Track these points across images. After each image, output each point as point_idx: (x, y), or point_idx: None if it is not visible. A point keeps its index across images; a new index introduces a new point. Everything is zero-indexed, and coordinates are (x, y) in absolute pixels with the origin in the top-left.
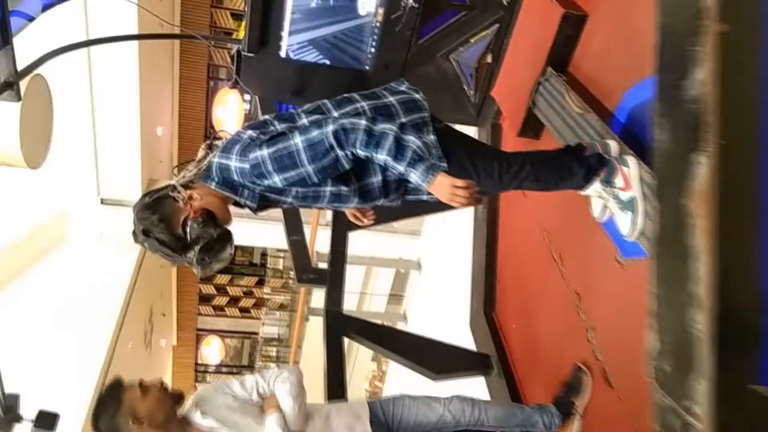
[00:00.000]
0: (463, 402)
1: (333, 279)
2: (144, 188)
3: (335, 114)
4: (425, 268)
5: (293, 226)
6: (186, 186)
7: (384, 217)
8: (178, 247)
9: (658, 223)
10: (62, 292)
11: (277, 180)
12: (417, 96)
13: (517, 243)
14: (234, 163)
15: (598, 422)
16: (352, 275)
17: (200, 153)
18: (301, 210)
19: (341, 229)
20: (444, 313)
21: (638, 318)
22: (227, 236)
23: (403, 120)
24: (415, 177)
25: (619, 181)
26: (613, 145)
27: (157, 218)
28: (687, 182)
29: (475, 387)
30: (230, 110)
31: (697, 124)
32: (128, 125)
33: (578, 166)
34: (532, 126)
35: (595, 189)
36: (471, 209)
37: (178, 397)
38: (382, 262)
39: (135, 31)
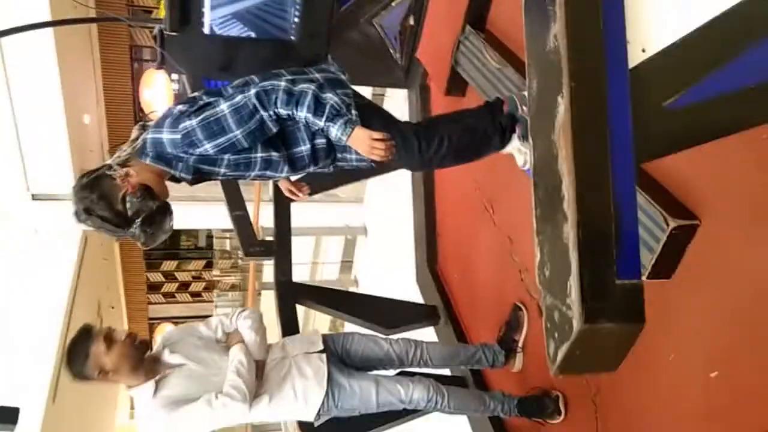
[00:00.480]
0: (407, 342)
1: (280, 249)
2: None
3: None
4: (371, 232)
5: (235, 203)
6: (122, 165)
7: (322, 185)
8: (121, 222)
9: (535, 157)
10: (2, 295)
11: (208, 147)
12: (342, 77)
13: (452, 197)
14: (166, 135)
15: (539, 352)
16: (302, 247)
17: (134, 133)
18: (243, 186)
19: (283, 199)
20: (392, 273)
21: None
22: (166, 207)
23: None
24: (334, 131)
25: None
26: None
27: (97, 196)
28: (552, 120)
29: (426, 338)
30: (158, 91)
31: (555, 71)
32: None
33: (492, 130)
34: (457, 84)
35: (513, 146)
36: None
37: (145, 346)
38: (329, 231)
39: (48, 17)
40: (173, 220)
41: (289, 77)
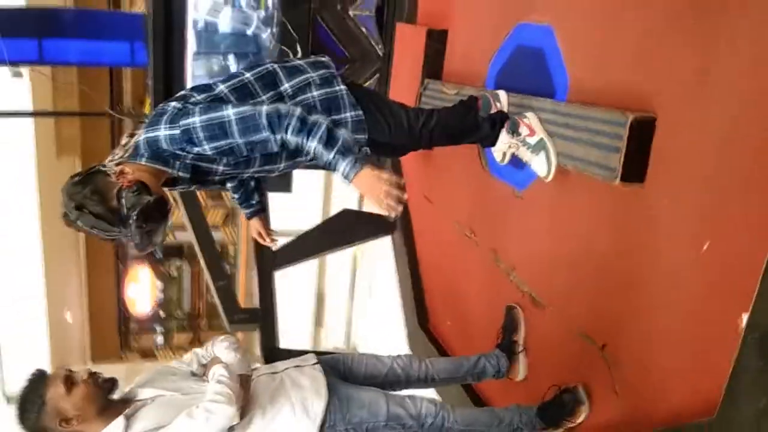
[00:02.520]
0: (410, 356)
1: (265, 315)
2: None
3: (263, 97)
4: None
5: (217, 274)
6: (116, 165)
7: (308, 252)
8: (115, 219)
9: None
10: None
11: (207, 148)
12: (323, 58)
13: (434, 246)
14: (163, 132)
15: (543, 345)
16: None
17: (124, 140)
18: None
19: (267, 266)
20: (386, 341)
21: (544, 233)
22: (164, 202)
23: (313, 75)
24: (342, 166)
25: (524, 130)
26: (501, 93)
27: (90, 190)
28: None
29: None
30: (143, 287)
31: None
32: (33, 311)
33: (482, 119)
34: None
35: (504, 140)
36: (388, 241)
37: (110, 385)
38: None
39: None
40: (170, 218)
41: (287, 87)
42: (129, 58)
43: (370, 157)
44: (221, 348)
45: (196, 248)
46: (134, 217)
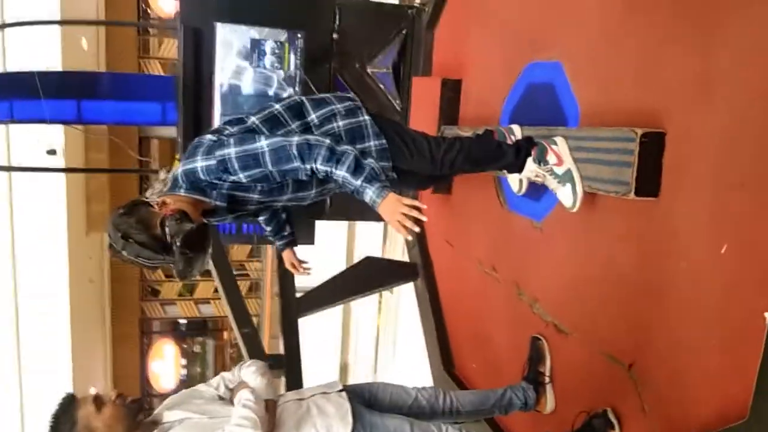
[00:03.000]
0: (435, 389)
1: (290, 361)
2: None
3: (292, 126)
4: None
5: (241, 320)
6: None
7: (332, 299)
8: (159, 246)
9: None
10: None
11: (241, 177)
12: (349, 94)
13: (457, 289)
14: (200, 163)
15: (569, 373)
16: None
17: (162, 174)
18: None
19: (290, 314)
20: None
21: (564, 259)
22: (206, 228)
23: (339, 107)
24: (369, 193)
25: (551, 158)
26: (515, 128)
27: (135, 220)
28: None
29: None
30: (167, 363)
31: None
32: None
33: (506, 145)
34: (442, 185)
35: (530, 169)
36: (411, 289)
37: (138, 406)
38: None
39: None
40: (212, 245)
41: (314, 117)
42: (160, 118)
43: (396, 182)
44: (248, 372)
45: (221, 292)
46: (177, 244)
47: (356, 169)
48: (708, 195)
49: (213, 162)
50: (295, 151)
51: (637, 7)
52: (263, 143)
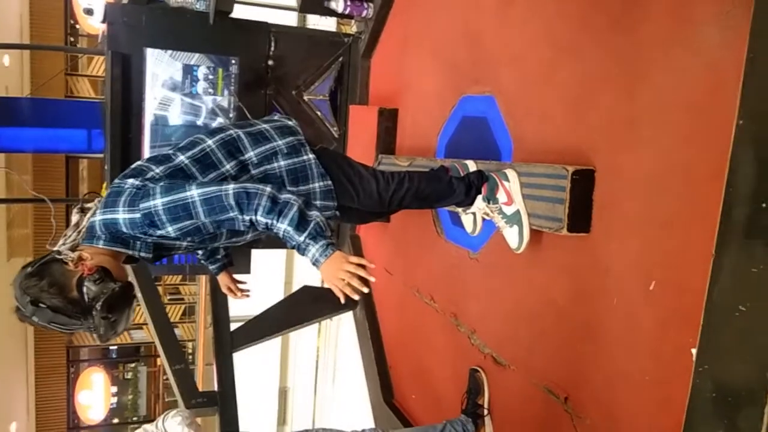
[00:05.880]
0: (375, 430)
1: (224, 399)
2: None
3: (227, 166)
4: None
5: (173, 357)
6: (71, 249)
7: (268, 330)
8: (76, 311)
9: None
10: None
11: (170, 230)
12: (290, 122)
13: (396, 318)
14: (122, 215)
15: (508, 405)
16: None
17: (74, 218)
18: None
19: (225, 349)
20: (352, 419)
21: (501, 291)
22: (129, 288)
23: (280, 144)
24: (312, 251)
25: (501, 196)
26: (470, 163)
27: (47, 283)
28: None
29: None
30: (96, 393)
31: None
32: None
33: (457, 181)
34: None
35: (479, 206)
36: (350, 317)
37: None
38: None
39: None
40: (134, 303)
41: (239, 131)
42: (86, 145)
43: (338, 219)
44: (173, 424)
45: (151, 328)
46: (98, 308)
47: (299, 222)
48: (637, 232)
49: (137, 215)
50: (232, 201)
51: (568, 47)
52: (194, 192)
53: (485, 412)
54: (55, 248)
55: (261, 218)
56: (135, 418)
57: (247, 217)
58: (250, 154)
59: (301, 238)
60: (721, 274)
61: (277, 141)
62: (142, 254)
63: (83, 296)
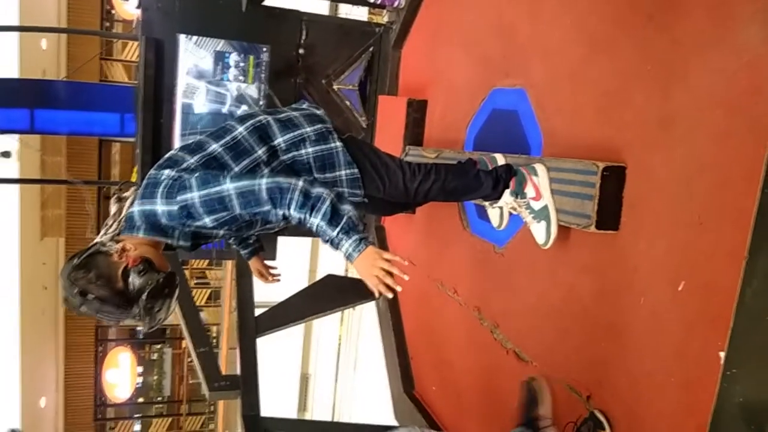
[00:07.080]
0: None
1: (246, 382)
2: None
3: (258, 152)
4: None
5: (198, 339)
6: (114, 240)
7: (291, 317)
8: (122, 301)
9: None
10: None
11: (207, 221)
12: (318, 111)
13: (418, 309)
14: (160, 207)
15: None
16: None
17: (113, 208)
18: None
19: (248, 333)
20: (372, 410)
21: (525, 287)
22: (173, 278)
23: (308, 131)
24: (345, 245)
25: (530, 191)
26: (498, 156)
27: (94, 275)
28: None
29: None
30: (123, 371)
31: None
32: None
33: (485, 175)
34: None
35: (506, 201)
36: (373, 307)
37: None
38: None
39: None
40: (178, 294)
41: (268, 117)
42: (119, 129)
43: (365, 208)
44: None
45: (177, 312)
46: (144, 299)
47: (332, 217)
48: (666, 231)
49: (174, 208)
50: (265, 195)
51: (601, 42)
52: (229, 186)
53: (550, 424)
54: (98, 239)
55: (294, 213)
56: (159, 398)
57: (280, 212)
58: (279, 140)
59: (334, 233)
60: (754, 277)
61: (306, 128)
62: (181, 243)
63: (128, 287)
